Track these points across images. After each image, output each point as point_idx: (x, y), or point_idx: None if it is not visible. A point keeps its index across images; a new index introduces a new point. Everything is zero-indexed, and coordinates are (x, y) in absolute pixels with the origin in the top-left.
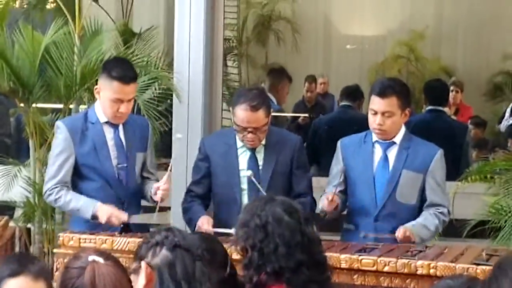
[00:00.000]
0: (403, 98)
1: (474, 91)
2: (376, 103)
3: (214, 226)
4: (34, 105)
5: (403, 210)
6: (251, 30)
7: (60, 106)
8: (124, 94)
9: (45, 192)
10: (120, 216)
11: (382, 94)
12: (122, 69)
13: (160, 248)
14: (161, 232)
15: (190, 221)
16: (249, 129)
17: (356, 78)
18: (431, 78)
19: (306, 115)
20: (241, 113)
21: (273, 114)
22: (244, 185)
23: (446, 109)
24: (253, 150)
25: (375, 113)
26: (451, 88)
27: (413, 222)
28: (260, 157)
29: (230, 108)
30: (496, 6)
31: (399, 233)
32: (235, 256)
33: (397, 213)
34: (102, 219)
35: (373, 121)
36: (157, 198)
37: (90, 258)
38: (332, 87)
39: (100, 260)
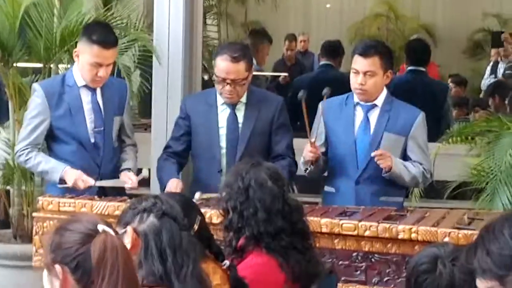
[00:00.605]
0: (386, 59)
1: (454, 49)
2: (358, 63)
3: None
4: (14, 64)
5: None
6: None
7: (40, 65)
8: (103, 59)
9: (16, 152)
10: (87, 180)
11: (364, 53)
12: (102, 34)
13: (148, 214)
14: (149, 199)
15: (161, 180)
16: (228, 81)
17: (336, 36)
18: (411, 36)
19: (286, 74)
20: (222, 63)
21: (253, 73)
22: (223, 143)
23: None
24: (233, 107)
25: (357, 72)
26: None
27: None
28: (240, 114)
29: (213, 62)
30: None
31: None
32: (216, 220)
33: (378, 176)
34: (69, 182)
35: (355, 81)
36: (126, 187)
37: (100, 227)
38: (312, 45)
39: (111, 231)
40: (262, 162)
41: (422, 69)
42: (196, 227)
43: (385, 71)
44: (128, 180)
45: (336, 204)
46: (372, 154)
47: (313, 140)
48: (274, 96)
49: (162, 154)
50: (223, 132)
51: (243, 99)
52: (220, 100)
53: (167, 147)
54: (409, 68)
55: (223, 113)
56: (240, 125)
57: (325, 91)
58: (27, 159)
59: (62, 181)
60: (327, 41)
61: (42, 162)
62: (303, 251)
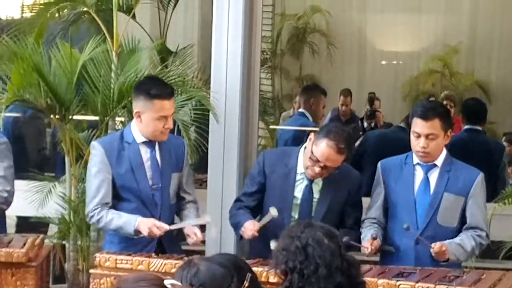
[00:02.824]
0: (445, 119)
1: (509, 106)
2: (419, 126)
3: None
4: (70, 117)
5: (443, 233)
6: (286, 42)
7: (96, 118)
8: (167, 110)
9: (87, 214)
10: (161, 226)
11: (425, 116)
12: (159, 86)
13: None
14: (233, 273)
15: (237, 225)
16: (321, 165)
17: (390, 92)
18: (465, 92)
19: None
20: (326, 148)
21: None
22: (295, 213)
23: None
24: (311, 180)
25: (419, 135)
26: (445, 102)
27: (449, 241)
28: (316, 189)
29: (311, 134)
30: None
31: (436, 246)
32: (272, 279)
33: (438, 236)
34: (144, 231)
35: (417, 144)
36: (189, 242)
37: (167, 282)
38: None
39: (179, 283)
40: (313, 222)
41: (479, 128)
42: (246, 284)
43: (445, 132)
44: (193, 234)
45: (395, 264)
46: (432, 251)
47: (370, 248)
48: (353, 172)
49: (234, 205)
50: (296, 201)
51: None
52: (300, 167)
53: (238, 200)
54: (466, 127)
55: (300, 182)
56: (315, 200)
57: None
58: (99, 219)
59: (136, 232)
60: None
61: (114, 219)
62: None
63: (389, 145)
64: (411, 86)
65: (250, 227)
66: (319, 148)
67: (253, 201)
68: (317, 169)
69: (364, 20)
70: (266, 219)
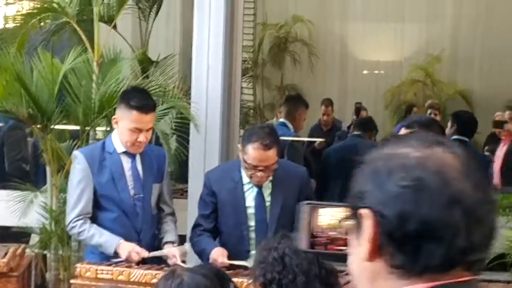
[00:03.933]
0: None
1: (491, 115)
2: (400, 133)
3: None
4: (52, 127)
5: None
6: (267, 52)
7: (77, 127)
8: (143, 124)
9: (68, 224)
10: (141, 252)
11: (407, 125)
12: (141, 99)
13: None
14: (216, 283)
15: (203, 252)
16: (260, 168)
17: (372, 101)
18: (448, 102)
19: (323, 139)
20: (253, 152)
21: (290, 138)
22: (252, 222)
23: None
24: (260, 187)
25: None
26: (429, 111)
27: None
28: (266, 192)
29: (239, 145)
30: None
31: None
32: None
33: None
34: (123, 255)
35: None
36: (169, 263)
37: None
38: (348, 110)
39: None
40: (289, 234)
41: (466, 139)
42: None
43: None
44: (172, 257)
45: None
46: None
47: None
48: (298, 168)
49: (194, 231)
50: (251, 211)
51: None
52: (245, 178)
53: (197, 225)
54: (454, 137)
55: (250, 191)
56: (267, 204)
57: None
58: (81, 232)
59: (115, 253)
60: (358, 118)
61: (96, 235)
62: None
63: (350, 154)
64: (393, 95)
65: (220, 260)
66: (248, 155)
67: (211, 223)
68: (259, 174)
69: (346, 29)
70: (239, 262)
